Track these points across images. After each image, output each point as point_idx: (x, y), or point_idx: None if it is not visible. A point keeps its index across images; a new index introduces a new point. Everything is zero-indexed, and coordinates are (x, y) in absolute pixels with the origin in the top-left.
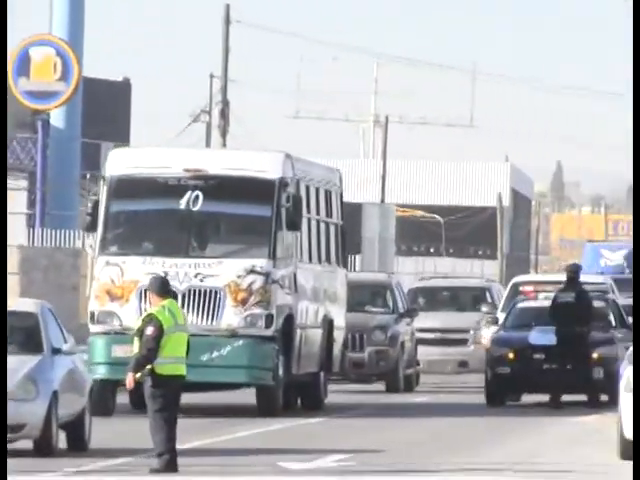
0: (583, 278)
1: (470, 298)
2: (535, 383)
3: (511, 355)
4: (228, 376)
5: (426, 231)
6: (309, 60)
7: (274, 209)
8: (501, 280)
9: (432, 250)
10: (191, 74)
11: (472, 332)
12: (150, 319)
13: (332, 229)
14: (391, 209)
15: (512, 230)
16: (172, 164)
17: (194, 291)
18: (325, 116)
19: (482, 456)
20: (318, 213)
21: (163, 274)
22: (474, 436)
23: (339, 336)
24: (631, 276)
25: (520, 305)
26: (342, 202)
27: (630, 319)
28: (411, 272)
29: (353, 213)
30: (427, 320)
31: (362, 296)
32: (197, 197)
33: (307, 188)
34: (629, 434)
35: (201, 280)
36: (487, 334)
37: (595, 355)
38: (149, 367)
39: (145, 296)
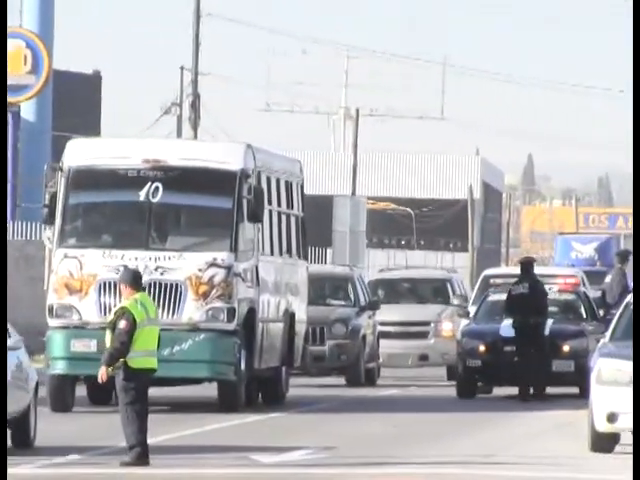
0: (554, 270)
1: (431, 290)
2: (506, 375)
3: (482, 348)
4: (190, 371)
5: (397, 224)
6: (279, 53)
7: (235, 201)
8: (472, 273)
9: (403, 243)
10: (162, 67)
11: (433, 325)
12: (123, 312)
13: (293, 221)
14: (362, 202)
15: (483, 223)
16: (131, 155)
17: (154, 284)
18: (296, 109)
19: (451, 448)
20: (279, 205)
21: (122, 267)
22: (443, 429)
23: (300, 330)
24: (602, 269)
25: (491, 298)
26: (303, 193)
27: (601, 311)
28: (383, 265)
29: (324, 206)
30: (387, 313)
31: (323, 289)
32: (157, 188)
33: (268, 179)
34: (600, 426)
35: (162, 273)
36: (448, 326)
37: (566, 348)
38: (122, 360)
39: (104, 289)
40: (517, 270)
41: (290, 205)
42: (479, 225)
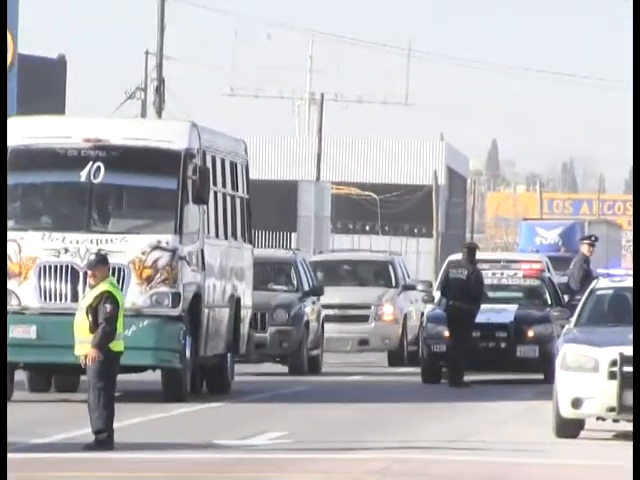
0: (518, 256)
1: (372, 273)
2: (471, 361)
3: (447, 333)
4: (133, 358)
5: (362, 209)
6: (244, 37)
7: (180, 181)
8: (436, 258)
9: (368, 228)
10: (127, 51)
11: (373, 308)
12: (107, 297)
13: (238, 203)
14: (326, 187)
15: (448, 208)
16: (72, 134)
17: None
18: (260, 94)
19: (415, 434)
20: (224, 186)
21: (63, 250)
22: (407, 414)
23: (246, 316)
24: (566, 254)
25: None
26: (248, 175)
27: (565, 297)
28: (348, 250)
29: (288, 191)
30: (326, 296)
31: (265, 274)
32: (98, 169)
33: (213, 159)
34: (564, 412)
35: None
36: (389, 310)
37: (530, 333)
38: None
39: (45, 273)
40: (483, 256)
41: (235, 187)
42: (444, 210)
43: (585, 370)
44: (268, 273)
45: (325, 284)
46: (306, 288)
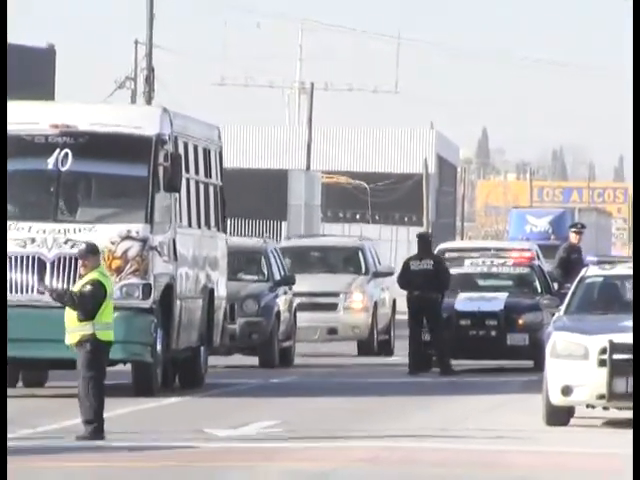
0: (508, 244)
1: (341, 259)
2: (461, 349)
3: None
4: None
5: (352, 198)
6: (233, 26)
7: (151, 169)
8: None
9: (358, 217)
10: (116, 40)
11: (342, 296)
12: (94, 283)
13: (212, 191)
14: (317, 176)
15: (438, 197)
16: (39, 119)
17: (64, 259)
18: (250, 83)
19: (405, 422)
20: (197, 173)
21: (29, 241)
22: (396, 403)
23: (220, 307)
24: (556, 242)
25: None
26: (222, 162)
27: (555, 285)
28: (316, 235)
29: (279, 180)
30: None
31: (235, 263)
32: (66, 156)
33: (185, 145)
34: (554, 399)
35: (71, 247)
36: (359, 297)
37: (520, 321)
38: (90, 333)
39: (10, 264)
40: (473, 244)
41: (208, 174)
42: (434, 199)
43: (575, 358)
44: (238, 263)
45: (293, 271)
46: (277, 278)
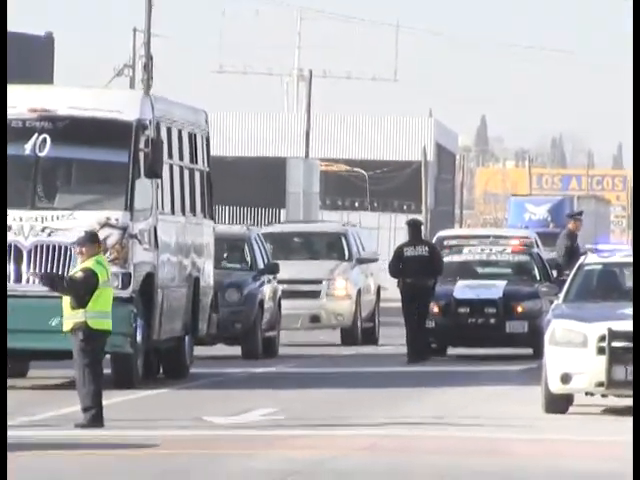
0: (507, 232)
1: (324, 245)
2: (460, 337)
3: (436, 309)
4: None
5: (351, 185)
6: (232, 14)
7: (131, 154)
8: (425, 234)
9: (357, 204)
10: (114, 28)
11: (325, 283)
12: (87, 272)
13: (197, 177)
14: (315, 164)
15: (436, 184)
16: (16, 103)
17: (41, 247)
18: (249, 70)
19: (403, 410)
20: (181, 159)
21: (9, 228)
22: (395, 391)
23: (206, 296)
24: (555, 230)
25: (445, 259)
26: (209, 147)
27: (554, 273)
28: (299, 221)
29: (277, 168)
30: None
31: (218, 251)
32: (44, 141)
33: (169, 130)
34: (553, 387)
35: (49, 235)
36: (342, 284)
37: (519, 309)
38: (82, 321)
39: None
40: (472, 231)
41: (194, 159)
42: (433, 187)
43: (574, 345)
44: (221, 250)
45: (275, 258)
46: (261, 266)
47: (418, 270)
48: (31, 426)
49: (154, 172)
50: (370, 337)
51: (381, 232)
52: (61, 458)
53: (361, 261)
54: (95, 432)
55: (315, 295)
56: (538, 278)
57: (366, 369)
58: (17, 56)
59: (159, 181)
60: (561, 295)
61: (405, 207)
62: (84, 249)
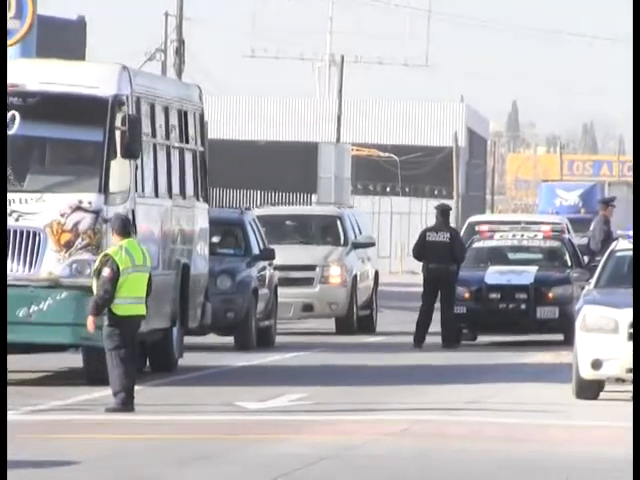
0: (538, 218)
1: (318, 229)
2: (490, 323)
3: (467, 295)
4: (49, 336)
5: (382, 170)
6: None
7: (106, 133)
8: (457, 220)
9: (388, 189)
10: (146, 12)
11: (319, 270)
12: (106, 260)
13: (188, 157)
14: (347, 148)
15: (468, 170)
16: None
17: (8, 232)
18: (281, 55)
19: (434, 396)
20: (168, 138)
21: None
22: (426, 376)
23: (198, 284)
24: (586, 216)
25: (476, 245)
26: (203, 124)
27: (585, 259)
28: (368, 211)
29: (309, 152)
30: None
31: (210, 236)
32: (13, 118)
33: (152, 107)
34: (584, 373)
35: (17, 219)
36: (336, 271)
37: (550, 295)
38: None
39: None
40: (503, 217)
41: (184, 138)
42: (464, 172)
43: (605, 331)
44: (214, 235)
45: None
46: (256, 251)
47: (439, 256)
48: (62, 410)
49: (131, 152)
50: (367, 325)
51: (413, 217)
52: (89, 442)
53: (357, 245)
54: (124, 417)
55: (308, 282)
56: (569, 264)
57: (392, 355)
58: (49, 40)
59: (139, 162)
60: (592, 281)
61: (436, 192)
62: (115, 234)
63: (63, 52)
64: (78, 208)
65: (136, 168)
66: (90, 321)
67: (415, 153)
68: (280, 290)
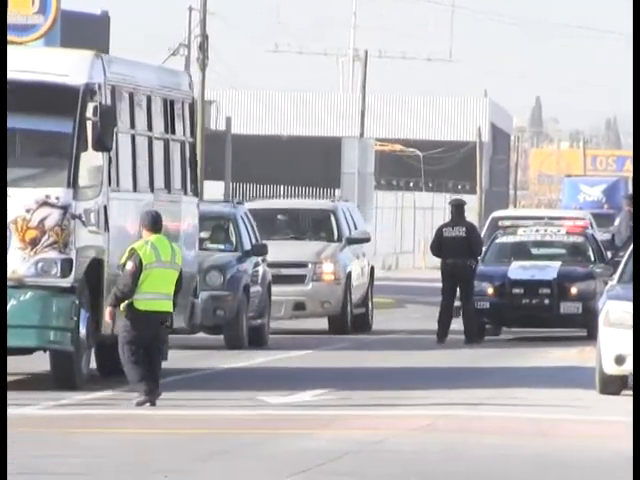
0: (561, 213)
1: (310, 224)
2: (514, 318)
3: (490, 290)
4: (14, 339)
5: (406, 165)
6: None
7: (77, 124)
8: (480, 214)
9: (412, 184)
10: (170, 7)
11: (311, 267)
12: (131, 254)
13: (175, 148)
14: (370, 143)
15: (491, 165)
16: None
17: None
18: (304, 50)
19: (459, 391)
20: (150, 128)
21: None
22: (450, 371)
23: (184, 282)
24: (610, 211)
25: (499, 240)
26: (192, 114)
27: (609, 254)
28: (391, 206)
29: (332, 147)
30: None
31: (201, 230)
32: None
33: (131, 96)
34: (607, 369)
35: None
36: (329, 269)
37: (574, 290)
38: (130, 302)
39: None
40: (526, 212)
41: (170, 129)
42: (487, 167)
43: (628, 327)
44: (203, 230)
45: None
46: (247, 247)
47: (456, 251)
48: (83, 405)
49: (103, 144)
50: (362, 324)
51: (436, 212)
52: (110, 436)
53: (351, 241)
54: (145, 411)
55: (300, 280)
56: (592, 259)
57: (416, 351)
58: (73, 35)
59: (113, 154)
60: (616, 276)
61: (460, 187)
62: (144, 230)
63: (86, 47)
64: (45, 203)
65: (110, 161)
66: (107, 312)
67: (438, 148)
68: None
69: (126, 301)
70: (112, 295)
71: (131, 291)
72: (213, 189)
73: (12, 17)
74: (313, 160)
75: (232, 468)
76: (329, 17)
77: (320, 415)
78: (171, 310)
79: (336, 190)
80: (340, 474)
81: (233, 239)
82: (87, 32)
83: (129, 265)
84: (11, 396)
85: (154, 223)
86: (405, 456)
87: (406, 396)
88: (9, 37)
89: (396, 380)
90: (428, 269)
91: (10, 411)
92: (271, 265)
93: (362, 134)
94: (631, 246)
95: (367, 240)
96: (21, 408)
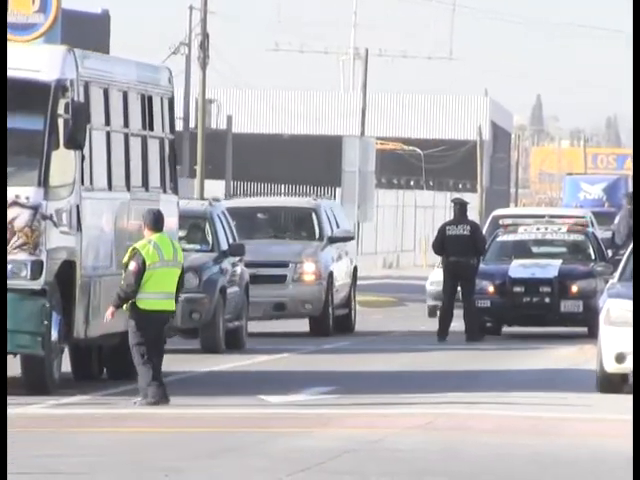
0: (562, 211)
1: (291, 222)
2: (514, 316)
3: (491, 288)
4: None
5: (406, 164)
6: None
7: (48, 121)
8: (481, 213)
9: (412, 183)
10: (170, 6)
11: (292, 266)
12: (134, 254)
13: (153, 145)
14: (371, 142)
15: (492, 163)
16: None
17: None
18: (305, 49)
19: (459, 389)
20: (126, 125)
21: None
22: (450, 370)
23: None
24: (610, 209)
25: (500, 238)
26: (172, 110)
27: (609, 252)
28: (392, 205)
29: (333, 146)
30: None
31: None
32: None
33: (106, 92)
34: (608, 367)
35: None
36: (310, 268)
37: (574, 288)
38: (133, 301)
39: None
40: (527, 211)
41: (148, 125)
42: (488, 166)
43: (629, 325)
44: (179, 229)
45: None
46: (224, 247)
47: (459, 249)
48: (87, 404)
49: (75, 142)
50: (345, 325)
51: (436, 211)
52: (115, 435)
53: (334, 240)
54: (151, 410)
55: (280, 280)
56: (593, 257)
57: (416, 347)
58: (74, 34)
59: (87, 152)
60: (616, 274)
61: (460, 186)
62: (146, 229)
63: (87, 46)
64: (14, 203)
65: (83, 159)
66: (109, 312)
67: (439, 147)
68: (250, 288)
69: (129, 301)
70: (115, 295)
71: (134, 291)
72: (214, 188)
73: (12, 16)
74: (314, 159)
75: (232, 466)
76: (330, 16)
77: (321, 414)
78: (174, 309)
79: (337, 189)
80: (339, 473)
81: (209, 239)
82: (88, 31)
83: (132, 265)
84: (11, 396)
85: (156, 222)
86: (404, 455)
87: (405, 395)
88: (9, 36)
89: (395, 379)
90: (429, 267)
91: (10, 411)
92: (251, 265)
93: (363, 133)
94: (631, 244)
95: (350, 239)
96: (21, 408)
